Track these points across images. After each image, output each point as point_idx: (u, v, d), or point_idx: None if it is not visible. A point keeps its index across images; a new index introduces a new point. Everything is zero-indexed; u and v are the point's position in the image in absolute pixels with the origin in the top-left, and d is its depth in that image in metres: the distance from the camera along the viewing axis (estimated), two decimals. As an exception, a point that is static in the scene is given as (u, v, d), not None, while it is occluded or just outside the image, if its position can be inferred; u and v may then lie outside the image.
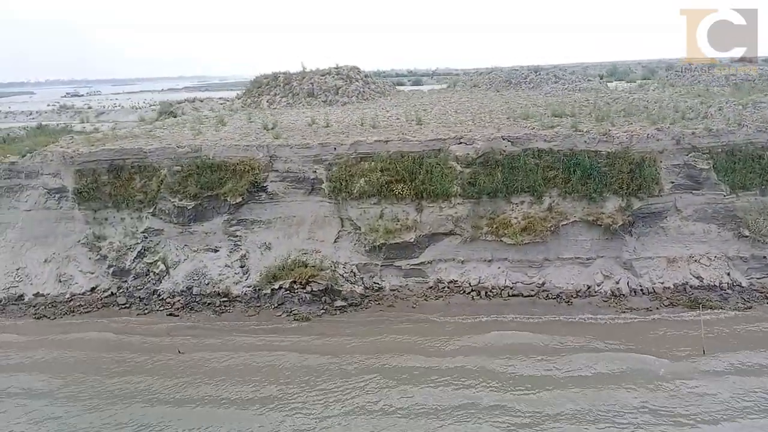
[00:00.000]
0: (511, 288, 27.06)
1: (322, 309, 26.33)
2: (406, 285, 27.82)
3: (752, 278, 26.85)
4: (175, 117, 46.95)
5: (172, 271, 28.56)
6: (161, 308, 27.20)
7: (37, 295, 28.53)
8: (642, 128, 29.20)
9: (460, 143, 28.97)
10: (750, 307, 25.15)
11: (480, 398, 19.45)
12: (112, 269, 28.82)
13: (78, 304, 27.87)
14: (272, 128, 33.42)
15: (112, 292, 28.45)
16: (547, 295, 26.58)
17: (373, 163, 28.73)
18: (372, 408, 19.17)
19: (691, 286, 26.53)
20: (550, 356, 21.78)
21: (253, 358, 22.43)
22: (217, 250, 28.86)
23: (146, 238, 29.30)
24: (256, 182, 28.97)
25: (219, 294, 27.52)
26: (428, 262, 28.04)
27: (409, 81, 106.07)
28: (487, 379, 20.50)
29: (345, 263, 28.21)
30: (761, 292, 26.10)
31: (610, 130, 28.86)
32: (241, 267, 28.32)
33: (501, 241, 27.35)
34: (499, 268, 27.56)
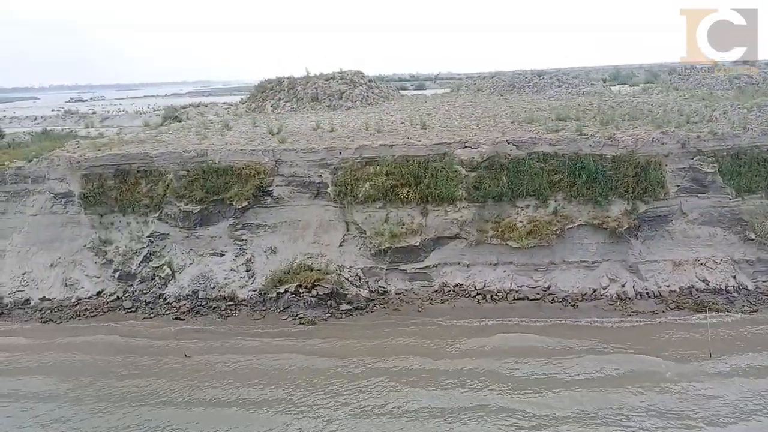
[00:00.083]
0: (517, 291, 27.04)
1: (328, 313, 26.36)
2: (412, 289, 27.83)
3: (758, 281, 26.81)
4: (180, 122, 47.17)
5: (178, 275, 28.63)
6: (167, 312, 27.25)
7: (43, 299, 28.60)
8: (647, 132, 29.26)
9: (465, 147, 29.04)
10: (756, 310, 25.13)
11: (487, 400, 19.50)
12: (118, 273, 28.91)
13: (84, 308, 27.93)
14: (277, 133, 33.54)
15: (118, 296, 28.53)
16: (553, 299, 26.58)
17: (378, 167, 28.83)
18: (379, 410, 19.23)
19: (697, 290, 26.50)
20: (556, 359, 21.82)
21: (260, 360, 22.50)
22: (223, 254, 28.93)
23: (152, 242, 29.39)
24: (262, 186, 29.07)
25: (225, 298, 27.59)
26: (433, 266, 28.07)
27: (412, 85, 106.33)
28: (494, 381, 20.54)
29: (350, 267, 28.24)
30: (767, 295, 26.05)
31: (615, 134, 28.92)
32: (247, 271, 28.38)
33: (506, 244, 27.38)
34: (504, 271, 27.57)
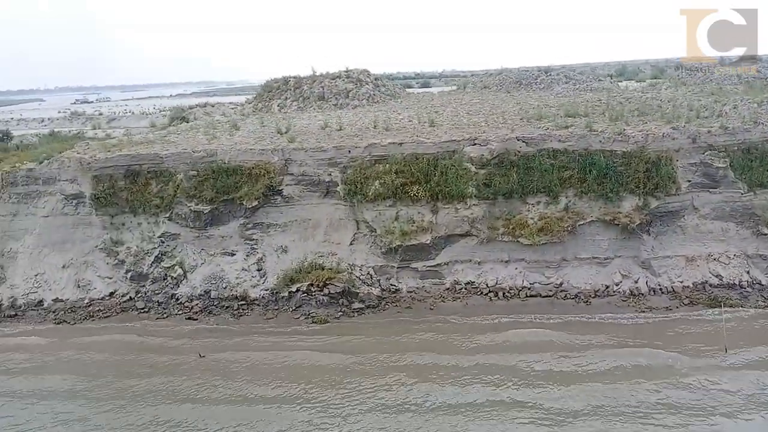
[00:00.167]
0: (529, 289, 27.01)
1: (340, 311, 26.38)
2: (423, 287, 27.82)
3: (772, 276, 26.65)
4: (187, 122, 47.20)
5: (190, 275, 28.71)
6: (179, 312, 27.33)
7: (56, 300, 28.72)
8: (657, 127, 29.15)
9: (475, 144, 29.00)
10: (770, 305, 24.95)
11: (502, 395, 19.54)
12: (130, 274, 29.00)
13: (97, 309, 28.04)
14: (286, 132, 33.56)
15: (130, 297, 28.63)
16: (566, 296, 26.52)
17: (387, 165, 28.82)
18: (396, 406, 19.27)
19: (710, 285, 26.41)
20: (570, 354, 21.82)
21: (276, 358, 22.56)
22: (234, 254, 28.99)
23: (163, 242, 29.47)
24: (272, 186, 29.11)
25: (237, 297, 27.64)
26: (445, 264, 28.04)
27: (417, 83, 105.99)
28: (508, 375, 20.58)
29: (361, 265, 28.26)
30: (781, 290, 25.92)
31: (624, 130, 28.81)
32: (258, 270, 28.43)
33: (518, 241, 27.33)
34: (516, 268, 27.52)
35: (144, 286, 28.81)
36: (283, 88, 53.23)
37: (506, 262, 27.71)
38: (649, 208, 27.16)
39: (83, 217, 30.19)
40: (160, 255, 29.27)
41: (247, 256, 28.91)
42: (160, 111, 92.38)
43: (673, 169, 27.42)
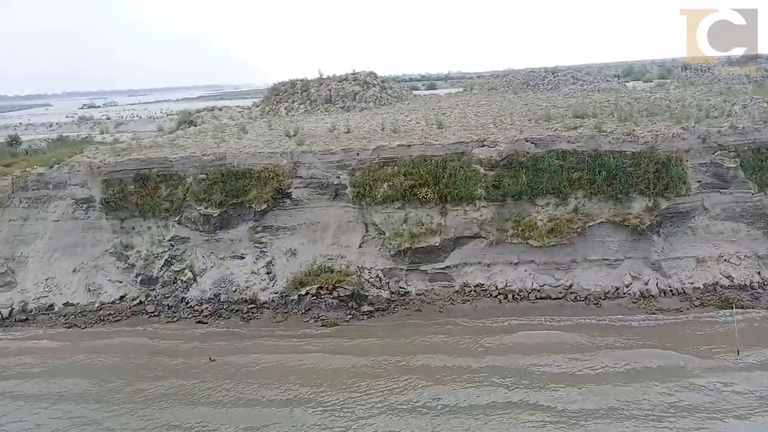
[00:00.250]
0: (539, 291, 26.92)
1: (350, 314, 26.37)
2: (432, 289, 27.77)
3: (784, 277, 26.47)
4: (195, 126, 47.33)
5: (200, 278, 28.77)
6: (190, 316, 27.38)
7: (66, 304, 28.84)
8: (666, 128, 29.03)
9: (483, 146, 28.95)
10: (782, 306, 24.79)
11: (513, 397, 19.55)
12: (140, 278, 29.09)
13: (107, 312, 28.15)
14: (294, 135, 33.61)
15: (140, 301, 28.71)
16: (576, 297, 26.42)
17: (396, 167, 28.81)
18: (408, 408, 19.32)
19: (721, 286, 26.28)
20: (580, 354, 21.80)
21: (286, 361, 22.61)
22: (244, 257, 29.04)
23: (173, 246, 29.55)
24: (281, 189, 29.14)
25: (246, 301, 27.68)
26: (454, 266, 27.98)
27: (423, 85, 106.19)
28: (520, 377, 20.58)
29: (370, 268, 28.25)
30: (793, 291, 25.74)
31: (634, 130, 28.71)
32: (268, 273, 28.47)
33: (527, 243, 27.24)
34: (525, 270, 27.44)
35: (154, 289, 28.89)
36: (290, 92, 53.35)
37: (516, 264, 27.63)
38: (659, 209, 27.03)
39: (93, 221, 30.32)
40: (169, 259, 29.35)
41: (257, 259, 28.95)
42: (167, 115, 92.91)
43: (683, 169, 27.29)
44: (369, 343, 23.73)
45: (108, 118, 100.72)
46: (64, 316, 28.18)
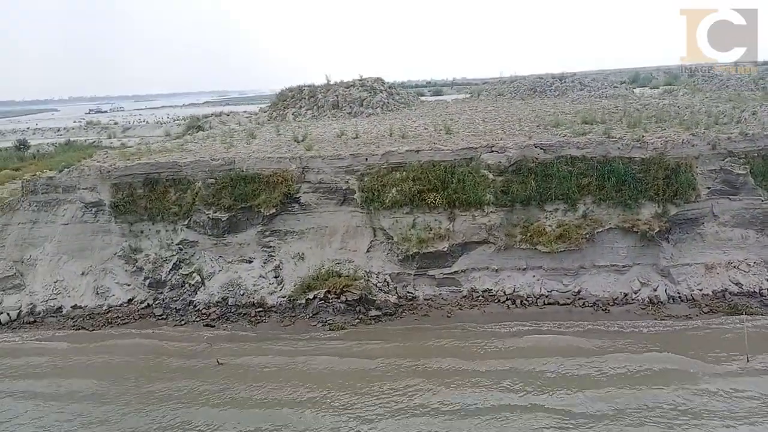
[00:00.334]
0: (547, 296, 26.85)
1: (357, 318, 26.35)
2: (440, 294, 27.74)
3: (793, 284, 26.32)
4: (203, 131, 47.58)
5: (208, 282, 28.83)
6: (197, 319, 27.41)
7: (75, 307, 28.94)
8: (676, 134, 29.02)
9: (492, 152, 28.97)
10: (791, 313, 24.66)
11: (520, 399, 19.60)
12: (148, 281, 29.16)
13: (115, 315, 28.21)
14: (303, 140, 33.71)
15: (148, 304, 28.77)
16: (584, 303, 26.33)
17: (404, 172, 28.85)
18: (418, 410, 19.36)
19: (730, 293, 26.15)
20: (588, 358, 21.79)
21: (295, 364, 22.67)
22: (252, 261, 29.09)
23: (181, 250, 29.63)
24: (289, 193, 29.21)
25: (254, 304, 27.70)
26: (462, 271, 27.95)
27: (428, 91, 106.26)
28: (528, 380, 20.61)
29: (378, 273, 28.25)
30: (803, 299, 25.60)
31: (643, 136, 28.69)
32: (276, 277, 28.50)
33: (535, 249, 27.20)
34: (534, 276, 27.39)
35: (162, 293, 28.95)
36: (297, 97, 53.66)
37: (524, 269, 27.59)
38: (668, 215, 26.97)
39: (102, 224, 30.44)
40: (178, 262, 29.42)
41: (265, 263, 29.00)
42: (174, 120, 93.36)
43: (692, 175, 27.24)
44: (378, 346, 23.74)
45: (115, 123, 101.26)
46: (72, 318, 28.27)
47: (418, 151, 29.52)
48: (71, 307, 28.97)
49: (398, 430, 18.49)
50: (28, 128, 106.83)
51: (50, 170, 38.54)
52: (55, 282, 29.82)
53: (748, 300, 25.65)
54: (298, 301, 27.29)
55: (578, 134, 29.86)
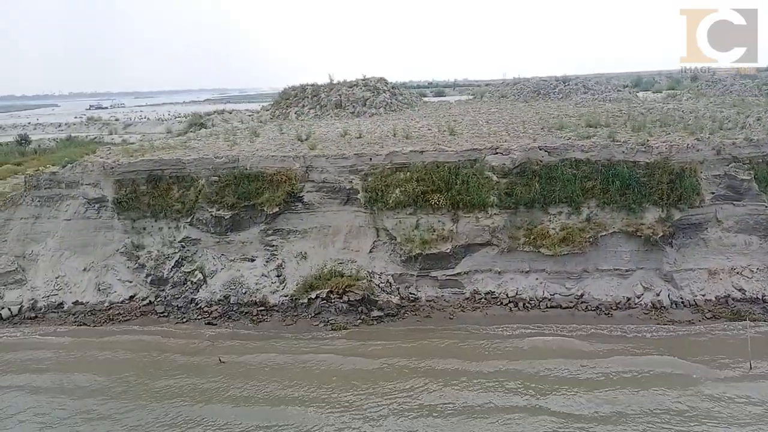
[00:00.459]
0: (550, 299, 26.82)
1: (359, 319, 26.28)
2: (443, 296, 27.68)
3: (796, 291, 26.30)
4: (205, 128, 47.52)
5: (210, 280, 28.78)
6: (199, 317, 27.34)
7: (76, 303, 28.87)
8: (681, 138, 29.00)
9: (497, 153, 28.93)
10: (794, 320, 24.64)
11: (523, 401, 19.60)
12: (150, 278, 29.11)
13: (117, 312, 28.15)
14: (306, 139, 33.66)
15: (150, 301, 28.71)
16: (587, 307, 26.29)
17: (408, 173, 28.79)
18: (418, 410, 19.36)
19: (733, 299, 26.10)
20: (591, 361, 21.78)
21: (296, 362, 22.66)
22: (254, 260, 29.04)
23: (184, 247, 29.58)
24: (293, 192, 29.15)
25: (256, 303, 27.65)
26: (465, 273, 27.90)
27: (430, 92, 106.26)
28: (530, 382, 20.62)
29: (381, 273, 28.19)
30: (805, 306, 25.57)
31: (648, 140, 28.65)
32: (278, 276, 28.46)
33: (539, 251, 27.15)
34: (536, 279, 27.35)
35: (164, 290, 28.90)
36: (300, 96, 53.60)
37: (527, 272, 27.55)
38: (672, 220, 26.92)
39: (105, 220, 30.39)
40: (180, 260, 29.37)
41: (267, 262, 28.95)
42: (176, 117, 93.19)
43: (697, 180, 27.20)
44: (381, 346, 23.76)
45: (116, 120, 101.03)
46: (74, 314, 28.21)
47: (422, 152, 29.47)
48: (72, 303, 28.91)
49: (403, 429, 18.49)
50: (28, 123, 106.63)
51: (53, 165, 38.53)
52: (56, 278, 29.77)
53: (751, 306, 25.60)
54: (300, 301, 27.23)
55: (583, 137, 29.83)
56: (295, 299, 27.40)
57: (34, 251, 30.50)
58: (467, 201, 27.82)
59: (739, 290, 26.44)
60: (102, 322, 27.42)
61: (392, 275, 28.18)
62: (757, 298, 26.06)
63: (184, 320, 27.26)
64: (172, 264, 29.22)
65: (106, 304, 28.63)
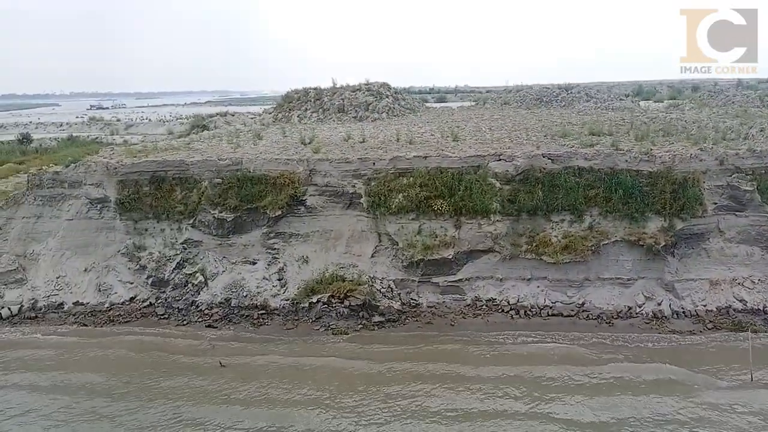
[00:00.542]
0: (551, 307, 26.79)
1: (360, 324, 26.23)
2: (444, 302, 27.64)
3: (797, 303, 26.30)
4: (208, 130, 47.55)
5: (211, 282, 28.73)
6: (199, 319, 27.28)
7: (76, 303, 28.79)
8: (684, 148, 29.02)
9: (500, 160, 28.94)
10: (794, 332, 24.65)
11: (524, 407, 19.58)
12: (151, 280, 29.06)
13: (117, 313, 28.06)
14: (310, 142, 33.68)
15: (150, 303, 28.64)
16: (588, 316, 26.26)
17: (411, 178, 28.78)
18: (420, 414, 19.36)
19: (734, 309, 26.07)
20: (592, 369, 21.79)
21: (299, 366, 22.61)
22: (255, 263, 29.00)
23: (185, 249, 29.53)
24: (296, 196, 29.11)
25: (257, 306, 27.58)
26: (466, 280, 27.87)
27: (432, 98, 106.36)
28: (531, 389, 20.62)
29: (382, 278, 28.15)
30: (806, 317, 25.57)
31: (651, 150, 28.69)
32: (279, 280, 28.42)
33: (541, 259, 27.14)
34: (538, 287, 27.34)
35: (165, 292, 28.84)
36: (303, 99, 53.68)
37: (528, 279, 27.53)
38: (674, 229, 26.93)
39: (107, 221, 30.34)
40: (181, 261, 29.33)
41: (269, 265, 28.91)
42: (177, 119, 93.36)
43: (699, 190, 27.21)
44: (381, 350, 23.79)
45: (118, 120, 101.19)
46: (74, 315, 28.11)
47: (425, 157, 29.47)
48: (73, 303, 28.82)
49: None
50: (30, 122, 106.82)
51: (55, 165, 38.57)
52: (57, 278, 29.70)
53: (752, 317, 25.57)
54: (302, 305, 27.18)
55: (586, 145, 29.86)
56: (296, 303, 27.35)
57: (35, 251, 30.43)
58: (470, 207, 27.80)
59: (741, 301, 26.42)
60: (102, 323, 27.30)
61: (394, 280, 28.14)
62: (759, 309, 26.02)
63: (185, 322, 27.17)
64: (174, 266, 29.18)
65: (106, 305, 28.54)
